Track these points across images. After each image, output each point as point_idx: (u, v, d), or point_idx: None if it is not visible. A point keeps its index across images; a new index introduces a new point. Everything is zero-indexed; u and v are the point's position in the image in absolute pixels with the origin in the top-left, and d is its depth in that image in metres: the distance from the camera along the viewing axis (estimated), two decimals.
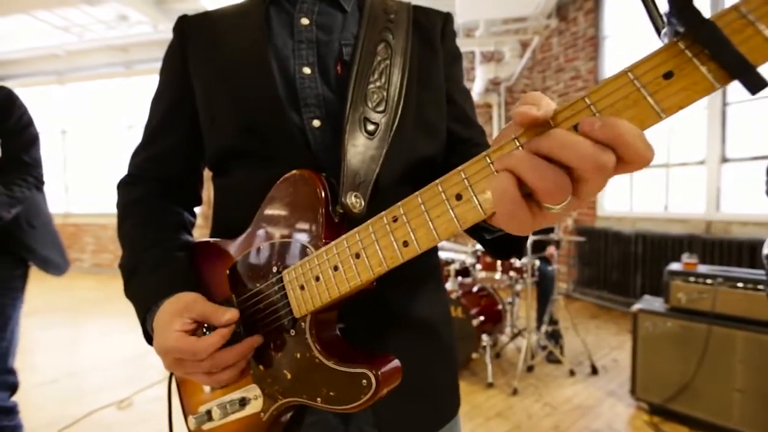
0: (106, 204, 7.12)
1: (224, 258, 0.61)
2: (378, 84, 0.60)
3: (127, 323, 4.06)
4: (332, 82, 0.61)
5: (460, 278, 3.17)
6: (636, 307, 2.37)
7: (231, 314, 0.54)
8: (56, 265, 1.78)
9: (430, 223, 0.39)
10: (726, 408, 2.04)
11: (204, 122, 0.66)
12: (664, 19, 0.29)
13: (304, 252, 0.52)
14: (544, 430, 2.27)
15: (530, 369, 2.93)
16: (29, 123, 1.69)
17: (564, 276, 5.10)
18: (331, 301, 0.49)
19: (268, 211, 0.57)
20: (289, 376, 0.54)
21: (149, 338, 0.60)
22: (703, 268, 2.25)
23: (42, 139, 1.75)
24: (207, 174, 0.76)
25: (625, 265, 4.35)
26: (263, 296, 0.55)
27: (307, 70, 0.61)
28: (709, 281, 2.13)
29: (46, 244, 1.74)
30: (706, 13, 0.27)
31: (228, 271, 0.59)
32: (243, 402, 0.58)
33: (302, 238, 0.53)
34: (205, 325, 0.55)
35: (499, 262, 2.99)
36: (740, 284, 2.04)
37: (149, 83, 6.99)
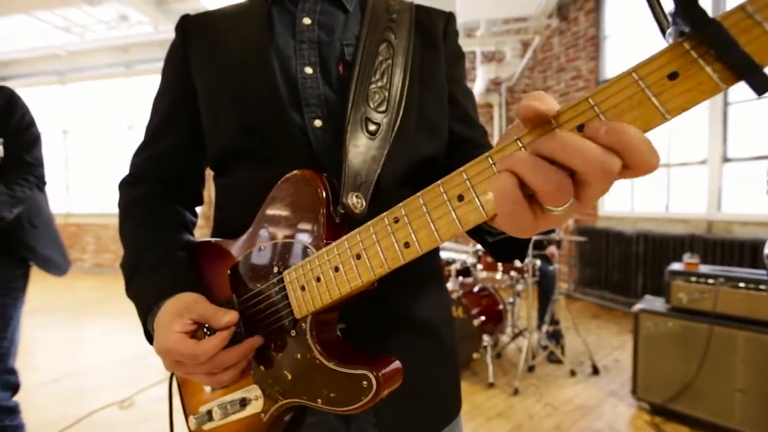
0: (107, 204, 7.13)
1: (225, 258, 0.61)
2: (380, 84, 0.59)
3: (128, 323, 4.06)
4: (334, 82, 0.61)
5: (461, 278, 3.17)
6: (637, 307, 2.37)
7: (231, 316, 0.54)
8: (57, 265, 1.78)
9: (431, 224, 0.39)
10: (727, 408, 2.04)
11: (206, 122, 0.66)
12: (669, 19, 0.29)
13: (305, 252, 0.52)
14: (545, 430, 2.26)
15: (531, 369, 2.92)
16: (31, 123, 1.69)
17: (565, 276, 5.10)
18: (332, 302, 0.49)
19: (269, 212, 0.57)
20: (289, 377, 0.53)
21: (150, 338, 0.60)
22: (704, 268, 2.25)
23: (43, 139, 1.75)
24: (208, 173, 0.76)
25: (627, 265, 4.35)
26: (264, 297, 0.55)
27: (308, 70, 0.61)
28: (710, 281, 2.13)
29: (48, 244, 1.74)
30: (709, 13, 0.27)
31: (229, 272, 0.59)
32: (243, 402, 0.58)
33: (303, 238, 0.53)
34: (206, 326, 0.55)
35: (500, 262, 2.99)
36: (741, 284, 2.04)
37: (150, 83, 7.00)
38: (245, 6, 0.68)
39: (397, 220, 0.41)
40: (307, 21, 0.63)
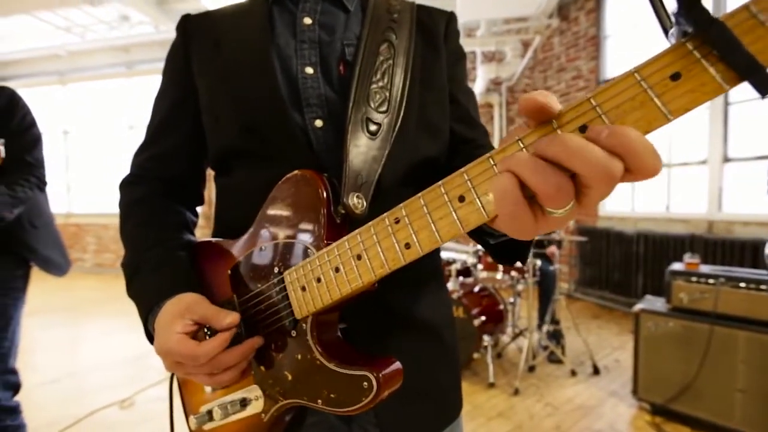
0: (108, 204, 7.14)
1: (226, 258, 0.61)
2: (380, 84, 0.59)
3: (128, 323, 4.06)
4: (335, 82, 0.61)
5: (461, 278, 3.17)
6: (638, 307, 2.37)
7: (232, 318, 0.54)
8: (57, 266, 1.78)
9: (432, 225, 0.38)
10: (728, 408, 2.03)
11: (207, 122, 0.66)
12: (672, 19, 0.29)
13: (305, 253, 0.52)
14: (546, 430, 2.26)
15: (532, 369, 2.92)
16: (32, 123, 1.69)
17: (566, 276, 5.09)
18: (333, 303, 0.49)
19: (270, 212, 0.57)
20: (289, 378, 0.53)
21: (151, 338, 0.60)
22: (705, 268, 2.25)
23: (44, 140, 1.75)
24: (208, 173, 0.76)
25: (627, 265, 4.34)
26: (264, 297, 0.55)
27: (309, 70, 0.61)
28: (711, 281, 2.12)
29: (48, 245, 1.74)
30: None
31: (230, 272, 0.59)
32: (244, 402, 0.58)
33: (304, 238, 0.53)
34: (206, 327, 0.55)
35: None
36: (742, 284, 2.04)
37: (151, 83, 7.01)
38: (246, 6, 0.68)
39: (398, 221, 0.41)
40: (307, 21, 0.63)
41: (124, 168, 0.72)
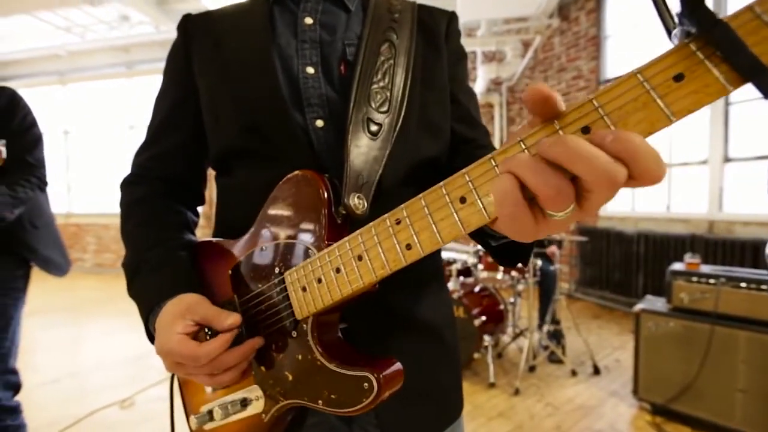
0: (108, 204, 7.15)
1: (227, 258, 0.61)
2: (381, 84, 0.59)
3: (128, 323, 4.07)
4: (336, 82, 0.61)
5: (461, 278, 3.17)
6: (638, 307, 2.37)
7: (233, 319, 0.54)
8: (58, 266, 1.78)
9: (433, 226, 0.38)
10: (728, 408, 2.03)
11: (208, 121, 0.66)
12: (675, 19, 0.28)
13: (306, 253, 0.52)
14: (546, 430, 2.26)
15: (532, 369, 2.92)
16: (33, 124, 1.70)
17: (566, 276, 5.09)
18: (333, 304, 0.49)
19: (271, 212, 0.57)
20: (290, 378, 0.53)
21: (152, 338, 0.60)
22: (705, 268, 2.25)
23: (44, 140, 1.75)
24: (209, 173, 0.76)
25: (628, 265, 4.34)
26: (265, 297, 0.55)
27: (310, 70, 0.61)
28: (711, 281, 2.12)
29: (48, 245, 1.74)
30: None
31: (230, 272, 0.59)
32: (244, 403, 0.57)
33: (305, 239, 0.53)
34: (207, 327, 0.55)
35: None
36: (743, 284, 2.04)
37: (151, 83, 7.01)
38: (247, 6, 0.68)
39: (398, 222, 0.41)
40: (308, 20, 0.63)
41: (124, 168, 0.72)
